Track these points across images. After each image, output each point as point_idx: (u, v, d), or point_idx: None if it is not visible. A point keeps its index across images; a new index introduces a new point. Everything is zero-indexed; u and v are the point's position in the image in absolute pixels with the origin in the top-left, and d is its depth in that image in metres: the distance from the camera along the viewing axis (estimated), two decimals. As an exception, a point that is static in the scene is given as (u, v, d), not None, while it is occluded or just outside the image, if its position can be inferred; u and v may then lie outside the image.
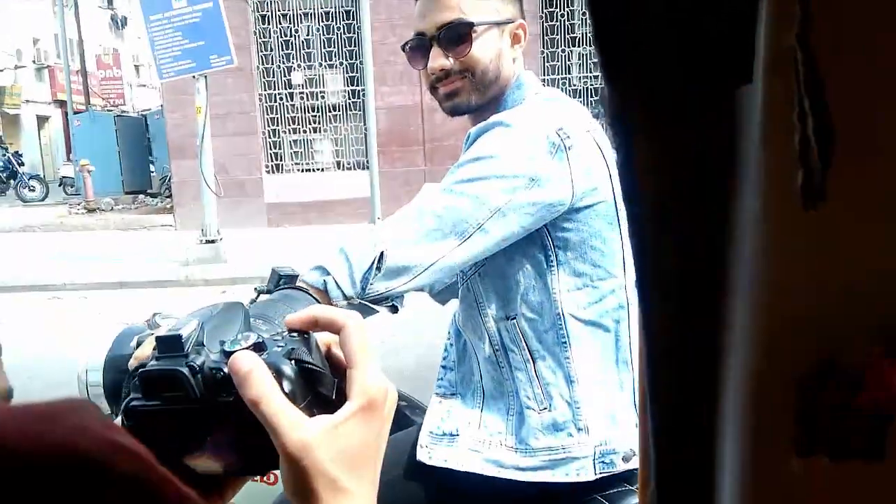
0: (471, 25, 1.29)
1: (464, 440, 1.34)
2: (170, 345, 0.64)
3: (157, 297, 7.24)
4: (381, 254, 1.12)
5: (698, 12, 0.30)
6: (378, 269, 1.11)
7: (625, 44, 0.30)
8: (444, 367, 1.48)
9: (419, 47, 1.34)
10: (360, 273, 1.11)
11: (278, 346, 0.62)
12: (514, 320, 1.31)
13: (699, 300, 0.31)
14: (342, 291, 1.10)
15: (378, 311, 1.17)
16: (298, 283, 1.11)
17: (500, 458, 1.31)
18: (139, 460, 0.30)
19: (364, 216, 9.28)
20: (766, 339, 0.31)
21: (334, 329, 0.63)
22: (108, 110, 20.12)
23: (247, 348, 0.61)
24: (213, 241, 8.04)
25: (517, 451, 1.31)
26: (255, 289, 1.22)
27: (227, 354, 0.61)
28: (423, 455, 1.34)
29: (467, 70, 1.31)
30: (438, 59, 1.31)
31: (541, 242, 1.26)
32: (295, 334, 0.65)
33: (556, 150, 1.20)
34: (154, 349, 0.66)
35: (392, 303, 1.18)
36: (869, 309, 0.30)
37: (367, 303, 1.13)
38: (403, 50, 1.38)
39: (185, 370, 0.63)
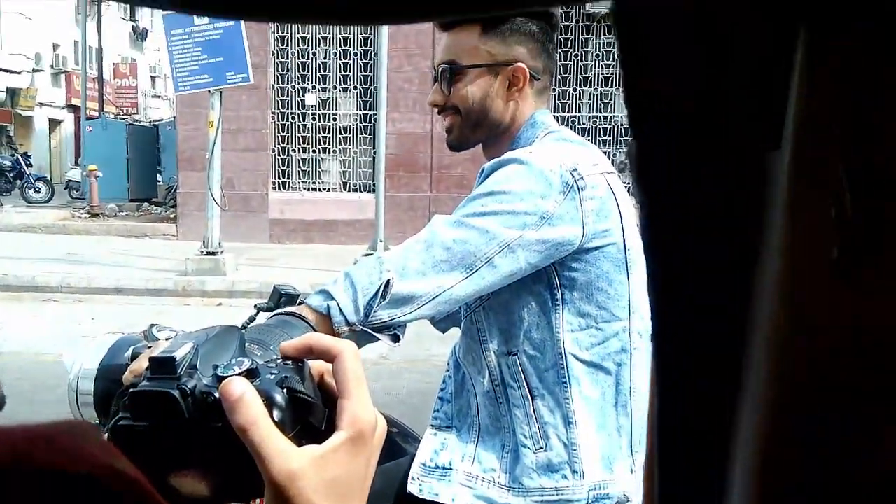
0: (459, 68, 1.35)
1: (456, 475, 1.33)
2: (163, 366, 0.64)
3: (153, 305, 7.23)
4: (388, 282, 1.11)
5: (728, 77, 0.30)
6: (383, 297, 1.11)
7: (654, 105, 0.30)
8: (441, 398, 1.47)
9: (434, 80, 1.41)
10: (364, 300, 1.11)
11: (271, 374, 0.62)
12: (516, 356, 1.30)
13: (715, 361, 0.31)
14: (345, 318, 1.10)
15: (379, 339, 1.17)
16: (298, 308, 1.10)
17: (491, 496, 1.30)
18: (136, 486, 0.30)
19: (366, 238, 9.29)
20: (779, 405, 0.30)
21: (328, 358, 0.63)
22: (121, 118, 20.25)
23: (240, 374, 0.60)
24: (213, 254, 8.06)
25: (510, 490, 1.30)
26: (255, 306, 1.22)
27: (220, 379, 0.61)
28: (413, 487, 1.32)
29: (456, 108, 1.37)
30: (434, 94, 1.39)
31: (547, 280, 1.26)
32: (289, 362, 0.65)
33: (569, 189, 1.20)
34: (147, 369, 0.66)
35: (394, 331, 1.18)
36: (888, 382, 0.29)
37: (369, 330, 1.13)
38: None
39: (177, 392, 0.62)
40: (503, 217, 1.18)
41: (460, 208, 1.23)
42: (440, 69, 1.37)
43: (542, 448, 1.29)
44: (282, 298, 1.21)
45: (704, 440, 0.31)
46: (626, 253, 1.27)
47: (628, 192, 1.30)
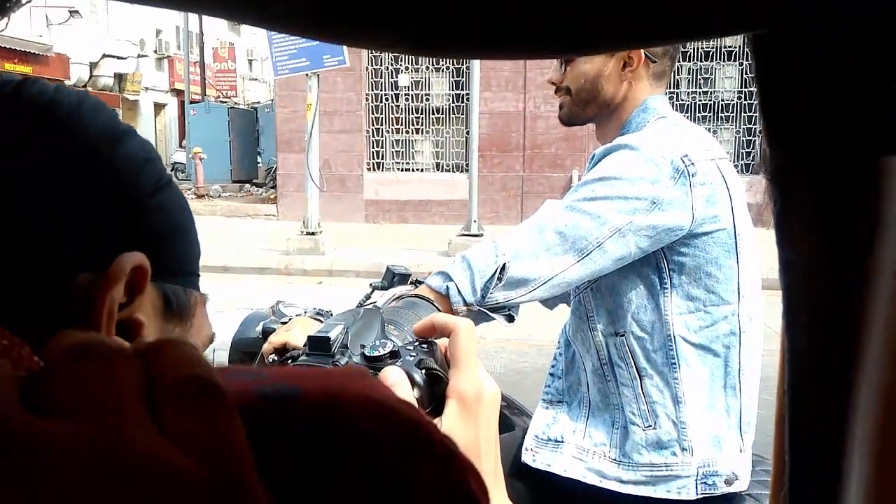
0: None
1: (568, 447, 1.38)
2: (319, 344, 0.73)
3: (258, 283, 7.55)
4: (504, 265, 1.17)
5: (852, 89, 0.35)
6: (499, 279, 1.16)
7: (787, 113, 0.35)
8: (551, 374, 1.52)
9: None
10: (481, 282, 1.17)
11: (410, 356, 0.70)
12: (623, 337, 1.34)
13: (839, 339, 0.36)
14: (463, 298, 1.17)
15: (494, 319, 1.23)
16: (419, 289, 1.18)
17: (602, 469, 1.35)
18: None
19: (460, 218, 9.39)
20: (897, 375, 0.35)
21: (446, 333, 0.70)
22: (222, 101, 20.97)
23: (385, 354, 0.69)
24: (313, 233, 8.32)
25: (619, 465, 1.34)
26: (371, 285, 1.31)
27: (367, 358, 0.69)
28: (527, 457, 1.39)
29: (568, 89, 1.41)
30: (552, 73, 1.44)
31: (656, 264, 1.29)
32: (423, 343, 0.73)
33: (679, 175, 1.23)
34: (305, 345, 0.75)
35: (509, 311, 1.24)
36: None
37: (485, 310, 1.19)
38: None
39: None
40: (614, 202, 1.21)
41: (572, 193, 1.27)
42: None
43: (651, 426, 1.33)
44: (395, 278, 1.30)
45: (828, 402, 0.36)
46: (735, 238, 1.28)
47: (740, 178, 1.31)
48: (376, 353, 0.70)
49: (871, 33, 0.33)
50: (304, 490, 0.25)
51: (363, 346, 0.72)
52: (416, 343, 0.74)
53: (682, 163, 1.23)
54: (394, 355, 0.70)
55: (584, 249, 1.20)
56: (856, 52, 0.34)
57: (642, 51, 1.36)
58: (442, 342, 0.75)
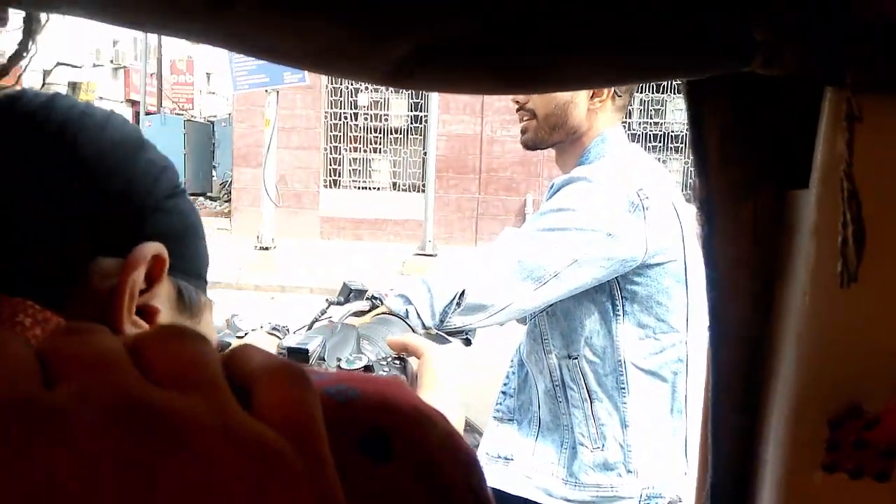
0: None
1: (517, 465, 1.42)
2: (297, 356, 0.76)
3: (209, 296, 7.45)
4: (462, 291, 1.21)
5: (771, 131, 0.40)
6: (458, 304, 1.20)
7: (711, 151, 0.40)
8: (503, 392, 1.56)
9: None
10: (440, 306, 1.20)
11: (384, 371, 0.74)
12: (576, 360, 1.38)
13: (756, 348, 0.41)
14: (422, 321, 1.20)
15: (451, 342, 1.26)
16: (381, 310, 1.22)
17: (549, 488, 1.39)
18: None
19: (415, 237, 9.43)
20: (807, 385, 0.40)
21: (417, 356, 0.75)
22: (178, 114, 20.72)
23: (359, 368, 0.73)
24: (267, 249, 8.28)
25: (566, 484, 1.38)
26: (327, 300, 1.34)
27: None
28: None
29: (533, 112, 1.41)
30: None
31: (609, 292, 1.33)
32: (396, 360, 0.77)
33: (634, 209, 1.27)
34: (281, 356, 0.79)
35: (466, 336, 1.27)
36: (889, 367, 0.39)
37: (442, 334, 1.23)
38: None
39: None
40: (571, 233, 1.25)
41: (531, 222, 1.31)
42: None
43: (598, 447, 1.37)
44: (351, 293, 1.33)
45: (747, 407, 0.41)
46: (685, 268, 1.34)
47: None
48: (352, 367, 0.73)
49: (792, 82, 0.38)
50: (362, 480, 0.28)
51: (339, 360, 0.76)
52: (390, 358, 0.78)
53: (637, 196, 1.28)
54: (368, 369, 0.74)
55: (541, 278, 1.24)
56: (774, 96, 0.39)
57: None
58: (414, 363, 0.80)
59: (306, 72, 7.62)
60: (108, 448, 0.16)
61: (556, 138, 1.43)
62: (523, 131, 1.45)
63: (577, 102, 1.39)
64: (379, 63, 0.36)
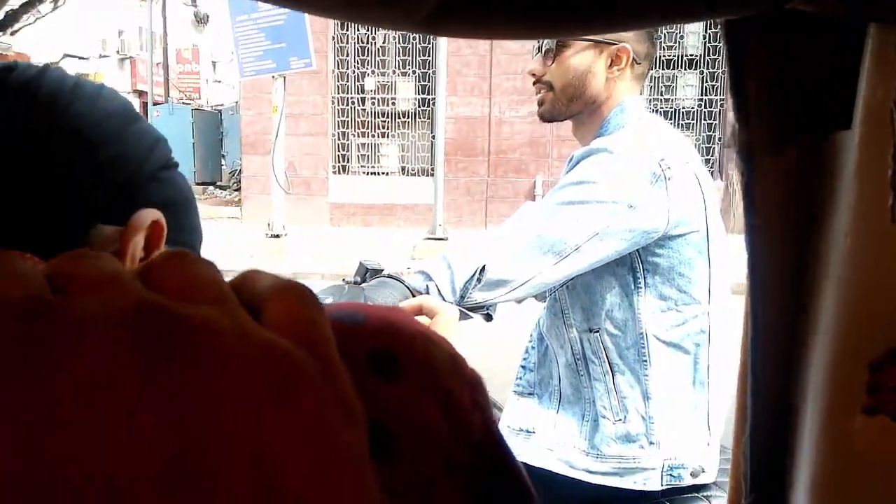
0: (562, 41, 1.36)
1: (539, 438, 1.42)
2: None
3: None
4: (483, 266, 1.19)
5: (811, 74, 0.39)
6: (478, 280, 1.19)
7: (753, 93, 0.39)
8: (523, 367, 1.56)
9: (536, 50, 1.43)
10: (460, 282, 1.19)
11: None
12: (598, 333, 1.37)
13: (798, 293, 0.41)
14: (442, 297, 1.19)
15: (473, 318, 1.26)
16: (398, 278, 1.22)
17: (571, 460, 1.39)
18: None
19: (424, 221, 9.42)
20: (847, 329, 0.40)
21: (431, 315, 0.75)
22: (185, 103, 20.75)
23: None
24: (278, 236, 8.29)
25: (588, 455, 1.38)
26: (343, 280, 1.34)
27: None
28: None
29: (550, 83, 1.39)
30: (533, 65, 1.42)
31: (631, 265, 1.32)
32: None
33: (656, 180, 1.25)
34: None
35: (487, 311, 1.27)
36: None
37: (463, 309, 1.22)
38: None
39: None
40: (592, 206, 1.24)
41: (551, 195, 1.29)
42: (542, 40, 1.38)
43: (620, 419, 1.37)
44: (367, 272, 1.33)
45: (788, 350, 0.41)
46: (707, 240, 1.32)
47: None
48: None
49: (831, 20, 0.37)
50: (374, 396, 0.29)
51: None
52: None
53: (658, 167, 1.26)
54: None
55: (562, 252, 1.22)
56: (814, 37, 0.39)
57: (630, 50, 1.37)
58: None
59: (312, 56, 7.62)
60: (132, 353, 0.16)
61: (574, 109, 1.41)
62: (540, 103, 1.43)
63: (595, 72, 1.37)
64: (409, 7, 0.36)
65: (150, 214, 0.47)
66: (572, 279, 1.35)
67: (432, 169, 9.15)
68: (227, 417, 0.16)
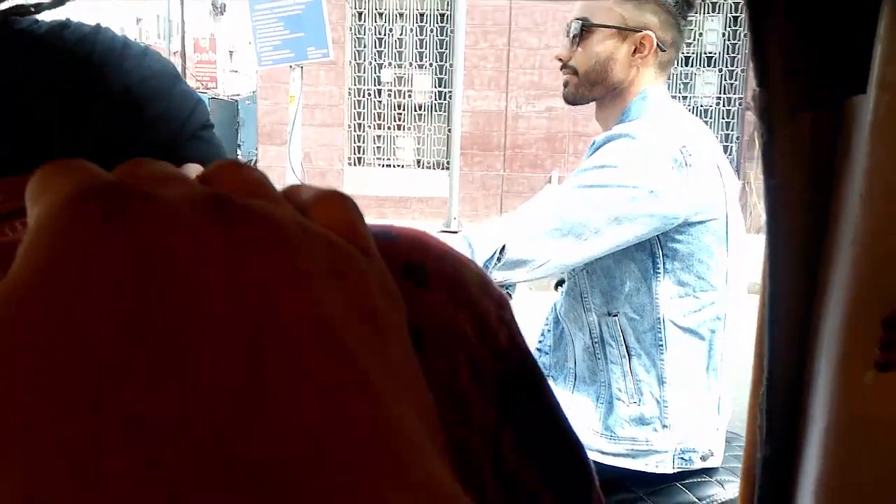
0: (589, 25, 1.39)
1: None
2: None
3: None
4: (503, 246, 1.22)
5: (829, 41, 0.41)
6: (498, 259, 1.21)
7: (773, 58, 0.41)
8: (539, 349, 1.58)
9: (565, 34, 1.46)
10: (480, 261, 1.21)
11: None
12: (616, 317, 1.39)
13: (814, 249, 0.42)
14: None
15: None
16: None
17: (585, 440, 1.41)
18: None
19: (439, 215, 9.45)
20: (861, 286, 0.41)
21: None
22: (202, 92, 20.82)
23: None
24: (293, 226, 8.33)
25: (602, 437, 1.40)
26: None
27: None
28: None
29: (575, 68, 1.43)
30: (561, 49, 1.46)
31: (650, 250, 1.34)
32: None
33: (677, 166, 1.27)
34: None
35: (507, 291, 1.29)
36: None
37: None
38: None
39: None
40: (613, 190, 1.26)
41: (572, 178, 1.31)
42: (571, 24, 1.42)
43: (635, 402, 1.39)
44: None
45: (803, 305, 0.43)
46: (727, 229, 1.34)
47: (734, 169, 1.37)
48: None
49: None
50: (410, 300, 0.31)
51: None
52: None
53: (680, 153, 1.28)
54: None
55: (582, 234, 1.25)
56: (832, 10, 0.41)
57: (654, 38, 1.39)
58: None
59: (330, 47, 7.64)
60: (211, 231, 0.17)
61: (595, 94, 1.44)
62: (565, 84, 1.47)
63: (618, 58, 1.40)
64: None
65: (193, 169, 0.48)
66: (592, 263, 1.37)
67: (448, 162, 9.17)
68: (295, 293, 0.17)
